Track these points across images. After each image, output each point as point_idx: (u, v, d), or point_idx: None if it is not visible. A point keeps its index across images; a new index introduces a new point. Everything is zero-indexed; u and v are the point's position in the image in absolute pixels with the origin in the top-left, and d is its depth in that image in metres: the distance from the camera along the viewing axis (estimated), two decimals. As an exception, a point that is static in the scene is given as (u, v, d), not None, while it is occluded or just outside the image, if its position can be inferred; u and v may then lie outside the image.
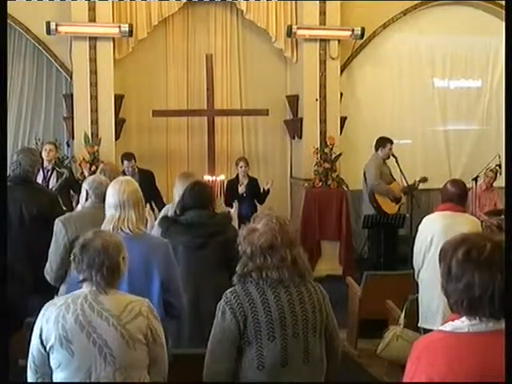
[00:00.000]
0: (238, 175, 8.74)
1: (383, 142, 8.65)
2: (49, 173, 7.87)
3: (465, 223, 4.86)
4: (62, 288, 4.35)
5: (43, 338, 2.82)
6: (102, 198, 4.49)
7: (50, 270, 4.33)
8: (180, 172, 6.08)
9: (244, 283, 2.98)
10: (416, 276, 5.18)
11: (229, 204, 8.28)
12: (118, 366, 2.80)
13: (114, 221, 3.67)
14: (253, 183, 8.70)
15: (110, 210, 3.72)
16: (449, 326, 2.04)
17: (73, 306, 2.82)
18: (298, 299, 3.00)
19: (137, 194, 3.77)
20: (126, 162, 8.31)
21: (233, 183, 8.64)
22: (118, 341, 2.80)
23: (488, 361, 1.93)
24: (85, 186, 4.58)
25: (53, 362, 2.82)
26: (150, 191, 7.92)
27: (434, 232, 4.93)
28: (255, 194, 8.62)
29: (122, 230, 3.63)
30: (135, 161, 8.37)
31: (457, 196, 5.03)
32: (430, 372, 1.97)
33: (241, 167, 8.68)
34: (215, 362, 2.94)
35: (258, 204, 8.67)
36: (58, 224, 4.34)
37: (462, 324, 2.01)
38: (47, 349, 2.81)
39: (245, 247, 2.97)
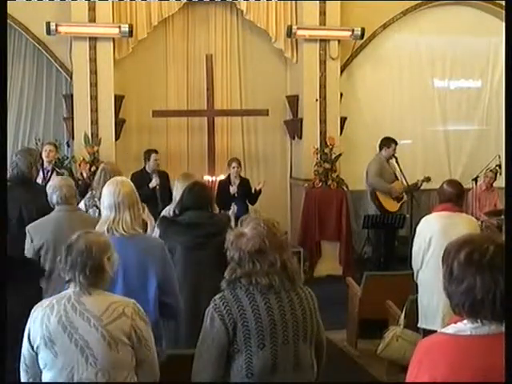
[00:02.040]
0: (229, 176, 8.71)
1: (388, 142, 8.72)
2: (49, 173, 7.85)
3: (463, 223, 4.90)
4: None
5: (31, 338, 2.85)
6: (64, 201, 4.54)
7: None
8: (180, 173, 6.09)
9: (233, 289, 2.89)
10: (415, 277, 5.18)
11: (220, 204, 8.16)
12: (100, 367, 2.80)
13: (108, 222, 3.66)
14: (244, 184, 8.67)
15: (105, 211, 3.71)
16: (451, 329, 2.02)
17: (57, 306, 2.84)
18: (289, 306, 2.93)
19: (132, 195, 3.76)
20: (153, 155, 8.41)
21: (224, 184, 8.60)
22: (99, 342, 2.79)
23: (490, 363, 1.91)
24: (48, 194, 4.61)
25: (40, 362, 2.85)
26: (166, 191, 7.98)
27: (432, 232, 4.95)
28: (247, 195, 8.58)
29: (116, 231, 3.62)
30: None
31: (455, 196, 5.05)
32: (433, 374, 1.96)
33: (233, 168, 8.64)
34: (203, 369, 2.88)
35: (249, 204, 8.63)
36: (27, 232, 4.43)
37: (465, 327, 1.99)
38: (35, 349, 2.84)
39: (233, 253, 2.89)
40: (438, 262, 4.75)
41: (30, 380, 2.89)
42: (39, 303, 2.94)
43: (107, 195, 3.73)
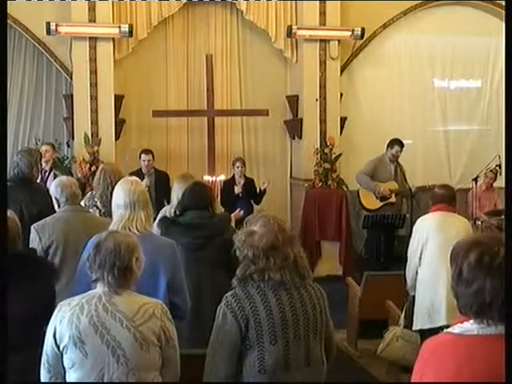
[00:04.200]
0: (234, 175, 8.71)
1: (391, 143, 8.76)
2: (46, 174, 7.83)
3: (457, 222, 5.27)
4: None
5: (57, 337, 2.82)
6: (72, 200, 4.51)
7: None
8: (178, 174, 6.08)
9: (244, 286, 2.93)
10: (409, 283, 5.31)
11: (225, 205, 8.19)
12: (131, 367, 2.81)
13: (123, 221, 3.64)
14: (249, 183, 8.66)
15: (120, 210, 3.68)
16: (457, 329, 2.01)
17: (87, 306, 2.83)
18: (300, 301, 2.97)
19: (145, 194, 3.77)
20: (143, 156, 8.44)
21: (229, 183, 8.60)
22: (131, 342, 2.81)
23: (497, 363, 1.90)
24: (52, 193, 4.57)
25: (66, 362, 2.84)
26: (165, 191, 7.96)
27: (428, 231, 5.19)
28: (251, 195, 8.57)
29: (130, 230, 3.60)
30: (153, 157, 8.47)
31: (447, 197, 5.35)
32: (439, 374, 1.96)
33: (237, 167, 8.63)
34: (216, 366, 2.90)
35: (254, 204, 8.63)
36: (32, 231, 4.36)
37: (471, 326, 1.98)
38: (61, 349, 2.83)
39: (246, 251, 2.90)
40: (436, 258, 4.94)
41: (52, 379, 2.88)
42: (64, 302, 2.91)
43: (122, 194, 3.70)
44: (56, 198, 4.56)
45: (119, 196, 3.71)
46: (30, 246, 4.35)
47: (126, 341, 2.80)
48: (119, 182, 3.86)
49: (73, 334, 2.78)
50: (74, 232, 4.40)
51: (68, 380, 2.86)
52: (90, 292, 2.91)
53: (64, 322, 2.81)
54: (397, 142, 8.73)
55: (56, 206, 4.60)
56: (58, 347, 2.83)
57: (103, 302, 2.83)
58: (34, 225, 4.41)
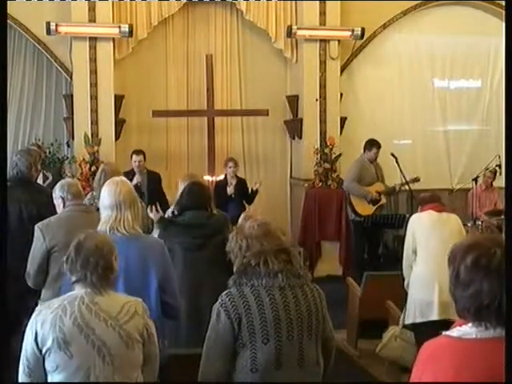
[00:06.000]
0: (226, 176, 8.67)
1: (369, 145, 8.58)
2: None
3: (450, 220, 5.44)
4: (45, 293, 4.34)
5: (39, 341, 2.80)
6: (78, 197, 4.51)
7: (29, 275, 4.34)
8: (184, 173, 6.07)
9: (239, 285, 2.96)
10: (406, 280, 5.34)
11: (218, 206, 8.09)
12: (117, 365, 2.81)
13: (110, 221, 3.63)
14: (241, 183, 8.61)
15: (106, 211, 3.67)
16: (456, 332, 2.00)
17: (70, 308, 2.81)
18: (294, 301, 2.97)
19: (132, 195, 3.74)
20: (134, 156, 8.32)
21: (221, 184, 8.55)
22: (117, 341, 2.81)
23: (495, 367, 1.89)
24: (58, 194, 4.55)
25: (49, 365, 2.82)
26: (156, 193, 7.94)
27: (424, 228, 5.31)
28: (243, 195, 8.53)
29: (118, 230, 3.60)
30: (144, 158, 8.38)
31: (435, 197, 5.56)
32: (437, 377, 1.95)
33: (230, 168, 8.56)
34: (210, 364, 2.93)
35: (246, 205, 8.58)
36: (36, 230, 4.34)
37: (470, 330, 1.97)
38: (43, 352, 2.81)
39: (240, 243, 2.96)
40: (431, 256, 5.09)
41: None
42: (43, 305, 2.91)
43: (108, 195, 3.70)
44: (62, 197, 4.53)
45: (105, 197, 3.71)
46: (34, 245, 4.34)
47: (112, 340, 2.81)
48: (105, 183, 3.84)
49: (57, 336, 2.77)
50: (78, 233, 4.38)
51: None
52: (70, 293, 2.90)
53: (46, 325, 2.79)
54: (375, 144, 8.55)
55: (61, 206, 4.58)
56: (41, 351, 2.81)
57: (86, 302, 2.83)
58: (39, 224, 4.39)
